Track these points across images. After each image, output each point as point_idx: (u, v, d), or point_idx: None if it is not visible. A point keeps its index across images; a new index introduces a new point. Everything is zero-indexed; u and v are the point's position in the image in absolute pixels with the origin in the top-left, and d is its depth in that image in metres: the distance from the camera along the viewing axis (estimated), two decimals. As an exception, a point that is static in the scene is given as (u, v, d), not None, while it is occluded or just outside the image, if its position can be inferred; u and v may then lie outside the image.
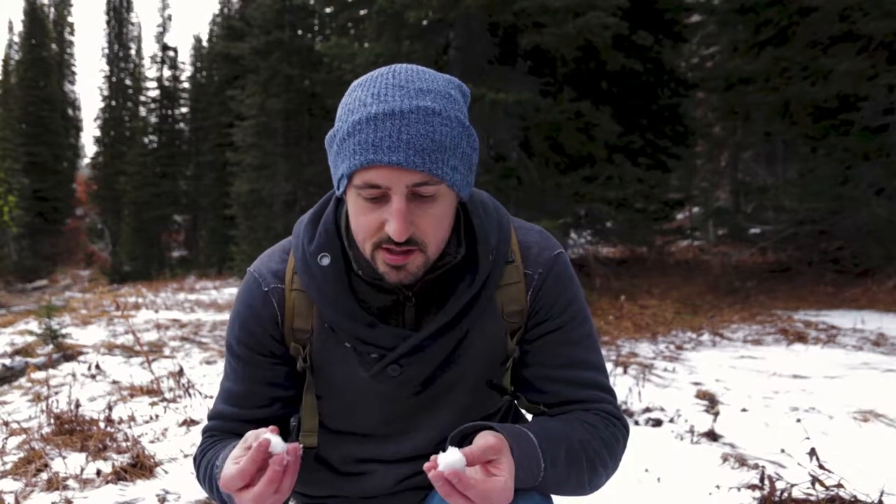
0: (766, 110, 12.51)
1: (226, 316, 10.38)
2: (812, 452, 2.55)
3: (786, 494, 2.38)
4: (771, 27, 11.79)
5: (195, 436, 3.44)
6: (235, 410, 1.15)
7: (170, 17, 40.11)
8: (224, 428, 1.17)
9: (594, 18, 8.47)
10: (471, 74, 9.50)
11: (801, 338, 6.60)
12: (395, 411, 1.12)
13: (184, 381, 4.51)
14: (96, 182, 39.65)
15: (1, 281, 28.31)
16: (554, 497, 1.09)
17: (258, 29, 19.50)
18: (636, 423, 3.60)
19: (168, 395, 4.40)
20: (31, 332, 7.76)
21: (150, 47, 46.59)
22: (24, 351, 6.70)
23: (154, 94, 35.73)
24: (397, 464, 1.16)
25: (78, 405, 3.64)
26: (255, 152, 19.12)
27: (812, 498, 2.36)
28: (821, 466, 2.48)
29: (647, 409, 3.81)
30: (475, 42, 10.27)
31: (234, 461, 0.92)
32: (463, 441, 0.98)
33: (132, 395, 4.47)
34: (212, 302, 13.68)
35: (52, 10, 45.46)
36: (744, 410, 3.86)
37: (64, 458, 2.99)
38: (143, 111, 36.86)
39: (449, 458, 0.85)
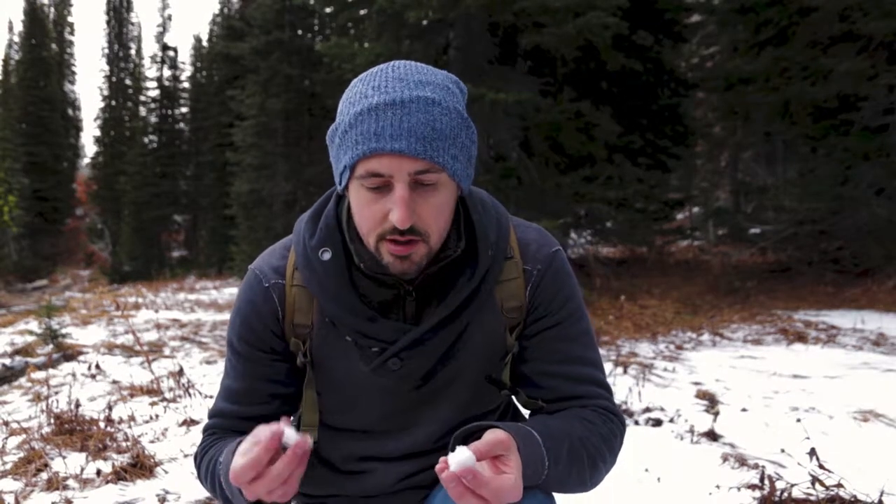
0: (766, 110, 12.51)
1: (226, 316, 10.39)
2: (812, 452, 2.55)
3: (786, 494, 2.38)
4: (771, 27, 11.79)
5: (195, 436, 3.44)
6: (236, 408, 1.16)
7: (170, 17, 40.12)
8: (225, 426, 1.17)
9: (594, 18, 8.47)
10: (471, 74, 9.49)
11: (801, 338, 6.60)
12: (396, 406, 1.13)
13: (184, 380, 4.51)
14: (96, 182, 39.65)
15: (1, 281, 28.31)
16: (555, 495, 1.09)
17: (258, 29, 19.50)
18: (636, 422, 3.60)
19: (168, 395, 4.40)
20: (31, 332, 7.76)
21: (150, 47, 46.79)
22: (24, 351, 6.70)
23: (154, 94, 35.74)
24: (398, 462, 1.16)
25: (78, 405, 3.64)
26: (255, 152, 19.12)
27: (812, 498, 2.36)
28: (821, 466, 2.48)
29: (647, 409, 3.81)
30: (475, 42, 10.27)
31: (243, 455, 0.90)
32: (466, 442, 0.98)
33: (132, 395, 4.47)
34: (212, 302, 13.68)
35: (52, 10, 45.47)
36: (744, 410, 3.86)
37: (64, 457, 2.99)
38: (143, 111, 36.87)
39: (459, 457, 0.84)
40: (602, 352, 5.91)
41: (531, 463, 0.95)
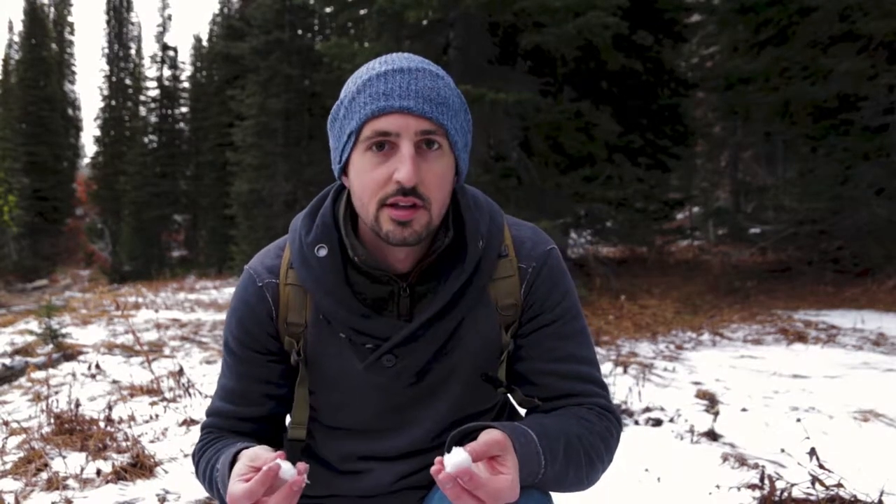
0: (766, 110, 12.51)
1: (225, 316, 10.37)
2: (812, 452, 2.55)
3: (786, 494, 2.38)
4: (771, 27, 11.79)
5: (195, 435, 3.43)
6: (232, 408, 1.17)
7: (170, 17, 40.14)
8: (221, 425, 1.18)
9: (594, 18, 8.46)
10: (471, 74, 9.49)
11: (801, 337, 6.60)
12: (390, 404, 1.12)
13: (184, 380, 4.51)
14: (96, 182, 39.64)
15: (1, 281, 28.31)
16: (554, 494, 1.09)
17: (258, 29, 19.51)
18: (636, 422, 3.60)
19: (168, 395, 4.40)
20: (31, 332, 7.76)
21: (150, 47, 46.67)
22: (24, 351, 6.70)
23: (154, 93, 35.74)
24: (395, 461, 1.16)
25: (78, 405, 3.64)
26: (255, 152, 19.13)
27: (812, 498, 2.36)
28: (821, 466, 2.48)
29: (647, 409, 3.81)
30: (475, 42, 10.26)
31: (241, 478, 0.92)
32: (462, 443, 0.98)
33: (132, 395, 4.47)
34: (212, 302, 13.68)
35: (52, 9, 45.48)
36: (744, 410, 3.86)
37: (64, 457, 2.99)
38: (143, 111, 36.88)
39: (455, 459, 0.84)
40: (602, 352, 5.91)
41: (527, 462, 0.95)
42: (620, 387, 4.31)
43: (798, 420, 3.58)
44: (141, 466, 2.87)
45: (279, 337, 1.12)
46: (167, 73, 35.83)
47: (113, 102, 40.72)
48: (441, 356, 1.10)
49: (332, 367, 1.11)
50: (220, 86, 28.28)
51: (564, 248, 11.69)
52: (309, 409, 1.17)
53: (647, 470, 2.81)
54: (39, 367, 5.63)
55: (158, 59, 36.18)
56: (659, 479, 2.72)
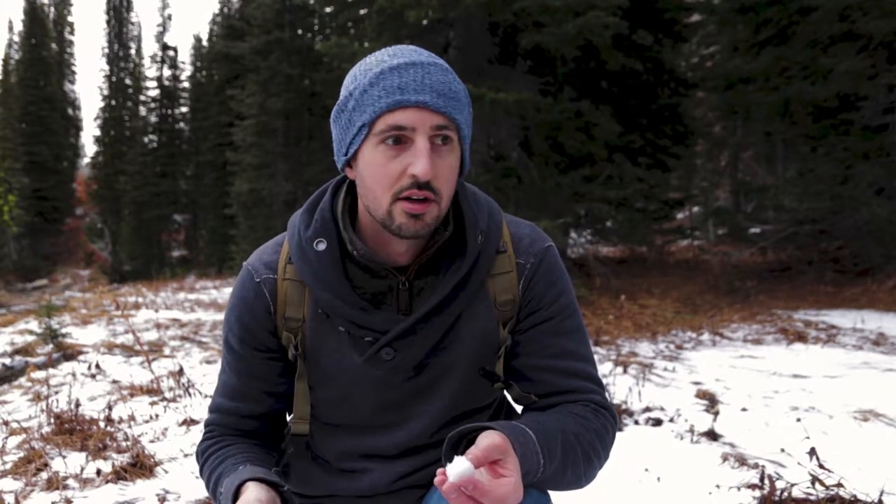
0: (766, 110, 12.50)
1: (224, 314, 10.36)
2: (812, 452, 2.55)
3: (786, 494, 2.38)
4: (771, 27, 11.78)
5: (195, 435, 3.44)
6: (233, 405, 1.17)
7: (170, 17, 40.15)
8: (223, 423, 1.19)
9: (594, 18, 8.46)
10: (471, 74, 9.49)
11: (801, 337, 6.60)
12: (389, 398, 1.13)
13: (184, 380, 4.51)
14: (96, 182, 39.63)
15: (1, 280, 28.31)
16: (551, 493, 1.09)
17: (258, 28, 19.51)
18: (636, 422, 3.60)
19: (168, 395, 4.40)
20: (31, 332, 7.76)
21: (150, 47, 46.61)
22: (24, 350, 6.69)
23: (154, 93, 35.75)
24: (393, 460, 1.16)
25: (78, 405, 3.64)
26: (256, 152, 19.14)
27: (812, 497, 2.36)
28: (821, 466, 2.48)
29: (647, 409, 3.81)
30: (475, 42, 10.26)
31: None
32: (459, 443, 0.98)
33: (132, 395, 4.47)
34: (212, 301, 13.68)
35: (52, 9, 45.46)
36: (744, 410, 3.86)
37: (64, 457, 2.99)
38: (143, 111, 36.90)
39: (457, 468, 0.83)
40: (602, 351, 5.91)
41: (527, 462, 0.95)
42: (620, 387, 4.31)
43: (798, 420, 3.58)
44: (141, 466, 2.87)
45: (277, 333, 1.13)
46: (167, 72, 35.87)
47: (113, 102, 40.71)
48: (439, 350, 1.10)
49: (331, 361, 1.11)
50: (220, 86, 28.29)
51: (564, 248, 11.69)
52: (310, 406, 1.17)
53: (647, 470, 2.81)
54: (39, 366, 5.63)
55: (158, 58, 36.19)
56: (659, 478, 2.72)
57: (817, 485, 2.37)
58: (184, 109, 35.20)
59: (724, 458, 2.94)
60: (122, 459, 2.93)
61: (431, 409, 1.13)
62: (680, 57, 15.18)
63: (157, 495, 2.62)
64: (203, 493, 2.61)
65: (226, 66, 27.64)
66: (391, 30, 10.50)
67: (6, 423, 3.62)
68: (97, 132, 40.39)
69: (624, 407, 3.78)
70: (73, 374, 5.27)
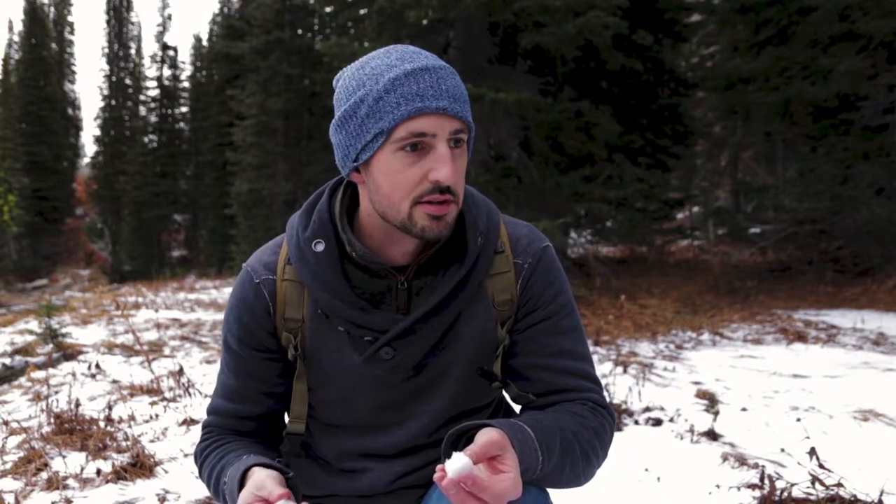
0: (766, 110, 12.50)
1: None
2: (812, 452, 2.55)
3: (786, 494, 2.38)
4: (771, 27, 11.78)
5: (195, 435, 3.44)
6: (231, 406, 1.17)
7: (170, 17, 40.15)
8: (222, 424, 1.19)
9: (594, 18, 8.46)
10: (471, 74, 9.49)
11: (800, 337, 6.60)
12: (388, 398, 1.13)
13: (184, 380, 4.51)
14: (96, 182, 39.63)
15: (1, 280, 28.32)
16: (550, 490, 1.09)
17: (258, 28, 19.52)
18: (636, 422, 3.60)
19: (168, 395, 4.40)
20: (31, 332, 7.76)
21: (150, 47, 46.61)
22: (24, 350, 6.69)
23: (154, 93, 35.76)
24: (392, 460, 1.16)
25: (78, 404, 3.64)
26: (256, 152, 19.14)
27: (812, 497, 2.36)
28: (821, 466, 2.48)
29: (647, 409, 3.81)
30: (475, 41, 10.26)
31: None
32: (458, 441, 0.98)
33: (132, 395, 4.47)
34: (212, 301, 13.68)
35: (52, 9, 45.45)
36: (744, 410, 3.86)
37: (64, 457, 2.99)
38: (143, 111, 36.90)
39: (456, 465, 0.84)
40: (602, 351, 5.91)
41: (525, 459, 0.95)
42: (620, 386, 4.30)
43: (798, 420, 3.58)
44: (141, 466, 2.87)
45: (277, 333, 1.13)
46: (167, 72, 35.88)
47: (113, 102, 40.69)
48: (438, 350, 1.10)
49: (331, 361, 1.11)
50: (220, 85, 28.29)
51: (564, 248, 11.68)
52: (307, 406, 1.17)
53: (646, 470, 2.81)
54: (39, 366, 5.63)
55: (158, 58, 36.20)
56: (659, 478, 2.72)
57: (817, 485, 2.37)
58: (184, 109, 35.21)
59: (724, 457, 2.94)
60: (122, 459, 2.94)
61: (430, 408, 1.13)
62: (680, 57, 15.18)
63: (157, 495, 2.62)
64: (203, 493, 2.61)
65: (226, 66, 27.64)
66: (391, 30, 10.49)
67: (6, 423, 3.62)
68: (97, 132, 40.40)
69: (624, 407, 3.77)
70: (73, 374, 5.28)
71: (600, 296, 9.74)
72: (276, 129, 19.10)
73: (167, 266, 29.01)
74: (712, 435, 3.31)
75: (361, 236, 1.08)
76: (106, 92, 41.08)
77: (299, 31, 19.86)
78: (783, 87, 11.18)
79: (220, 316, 10.45)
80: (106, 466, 2.88)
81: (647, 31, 11.39)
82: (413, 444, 1.15)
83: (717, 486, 2.60)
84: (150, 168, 32.60)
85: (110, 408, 3.84)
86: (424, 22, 10.09)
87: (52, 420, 3.51)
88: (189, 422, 3.69)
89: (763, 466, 2.69)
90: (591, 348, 6.02)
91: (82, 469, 2.85)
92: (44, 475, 2.81)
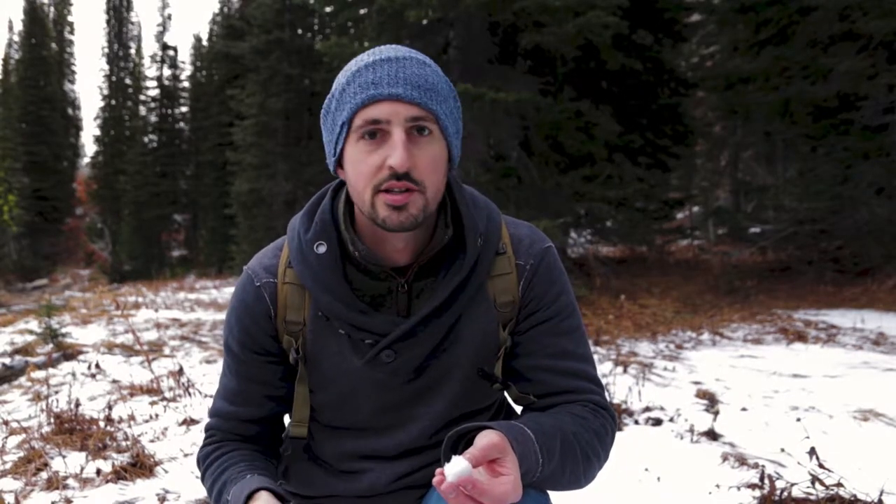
0: (766, 110, 12.49)
1: (225, 315, 10.36)
2: (812, 451, 2.55)
3: (786, 493, 2.38)
4: (771, 26, 11.78)
5: (195, 435, 3.44)
6: (233, 409, 1.17)
7: (170, 17, 40.13)
8: (224, 427, 1.19)
9: (594, 18, 8.46)
10: (471, 74, 9.49)
11: (800, 337, 6.59)
12: (389, 400, 1.13)
13: (184, 380, 4.51)
14: (96, 181, 39.61)
15: (1, 280, 28.32)
16: (550, 493, 1.09)
17: (258, 28, 19.51)
18: (636, 422, 3.60)
19: (168, 395, 4.40)
20: (31, 332, 7.76)
21: (150, 46, 46.50)
22: (24, 350, 6.70)
23: (154, 93, 35.74)
24: (392, 461, 1.16)
25: (78, 404, 3.64)
26: (256, 152, 19.13)
27: (812, 497, 2.36)
28: (821, 465, 2.48)
29: (647, 409, 3.81)
30: (475, 41, 10.26)
31: None
32: (458, 443, 0.98)
33: (132, 395, 4.48)
34: (212, 301, 13.68)
35: (52, 9, 45.42)
36: (744, 410, 3.86)
37: (64, 457, 2.99)
38: (142, 110, 36.89)
39: (456, 468, 0.83)
40: (602, 351, 5.90)
41: (525, 461, 0.95)
42: (620, 386, 4.30)
43: (798, 420, 3.58)
44: (141, 466, 2.87)
45: (278, 336, 1.13)
46: (167, 72, 35.86)
47: (113, 102, 40.67)
48: (439, 353, 1.10)
49: (332, 364, 1.11)
50: (220, 85, 28.28)
51: (564, 248, 11.68)
52: (310, 409, 1.17)
53: (647, 469, 2.81)
54: (39, 366, 5.63)
55: (158, 58, 36.18)
56: (659, 478, 2.72)
57: (817, 484, 2.37)
58: (184, 109, 35.19)
59: (724, 457, 2.94)
60: (122, 459, 2.94)
61: (431, 410, 1.13)
62: (680, 57, 15.17)
63: (157, 495, 2.62)
64: (203, 493, 2.61)
65: (226, 65, 27.64)
66: (391, 30, 10.49)
67: (6, 423, 3.62)
68: (97, 132, 40.35)
69: (624, 407, 3.77)
70: (73, 374, 5.28)
71: (600, 296, 9.74)
72: (276, 129, 19.10)
73: (167, 266, 29.00)
74: (712, 435, 3.31)
75: (361, 236, 1.08)
76: (106, 92, 41.06)
77: (299, 31, 19.85)
78: (783, 87, 11.18)
79: (220, 316, 10.45)
80: (106, 466, 2.88)
81: (646, 30, 11.39)
82: (414, 445, 1.15)
83: (717, 486, 2.60)
84: (150, 168, 32.59)
85: (110, 408, 3.84)
86: (424, 22, 10.09)
87: (52, 420, 3.51)
88: (189, 422, 3.69)
89: (763, 466, 2.69)
90: (592, 348, 6.01)
91: (82, 469, 2.85)
92: (44, 475, 2.81)
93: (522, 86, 9.57)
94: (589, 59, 10.93)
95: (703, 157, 19.62)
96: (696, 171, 20.71)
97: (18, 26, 42.92)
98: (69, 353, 6.34)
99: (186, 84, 35.90)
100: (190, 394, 4.33)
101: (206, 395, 4.30)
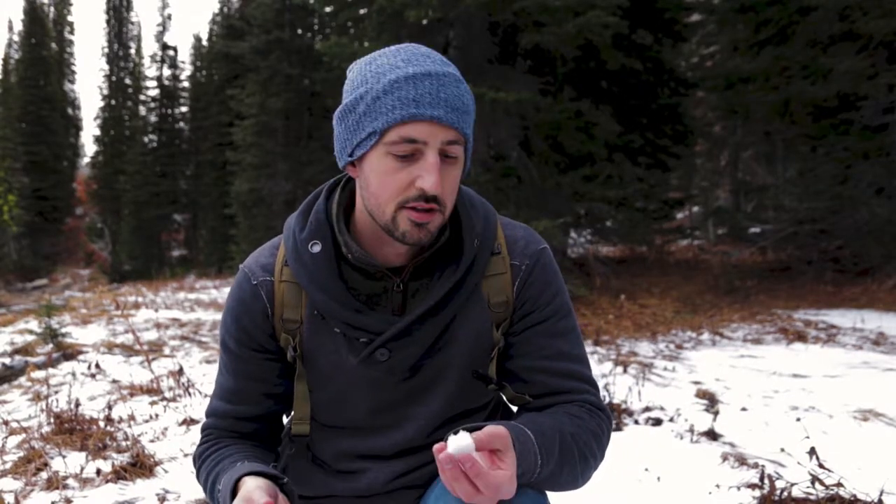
0: (766, 110, 12.50)
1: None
2: (812, 451, 2.55)
3: (785, 493, 2.38)
4: (771, 26, 11.78)
5: (195, 435, 3.44)
6: (230, 407, 1.17)
7: (170, 17, 40.07)
8: (221, 426, 1.19)
9: (594, 18, 8.46)
10: (471, 74, 9.48)
11: (800, 337, 6.60)
12: (385, 400, 1.13)
13: (183, 380, 4.51)
14: (96, 181, 39.61)
15: (1, 280, 28.32)
16: (550, 494, 1.09)
17: (258, 28, 19.50)
18: (636, 422, 3.60)
19: (168, 395, 4.40)
20: (30, 332, 7.76)
21: (149, 46, 46.46)
22: (24, 350, 6.70)
23: (154, 93, 35.71)
24: (390, 460, 1.16)
25: (78, 404, 3.64)
26: (255, 151, 19.13)
27: (812, 497, 2.36)
28: (821, 465, 2.48)
29: (647, 409, 3.81)
30: (475, 41, 10.26)
31: None
32: None
33: (132, 395, 4.48)
34: (211, 301, 13.68)
35: (52, 9, 45.46)
36: (744, 409, 3.86)
37: (64, 457, 2.99)
38: (142, 110, 36.86)
39: (460, 442, 0.84)
40: (602, 351, 5.90)
41: (524, 461, 0.95)
42: (620, 386, 4.30)
43: (798, 419, 3.58)
44: (141, 466, 2.87)
45: (275, 335, 1.13)
46: (167, 72, 35.83)
47: (113, 102, 40.69)
48: (434, 352, 1.10)
49: (328, 362, 1.11)
50: (220, 85, 28.26)
51: (564, 248, 11.68)
52: (310, 407, 1.17)
53: (646, 469, 2.81)
54: (39, 366, 5.63)
55: (158, 58, 36.15)
56: (659, 478, 2.72)
57: (817, 484, 2.37)
58: (184, 109, 35.16)
59: (724, 457, 2.94)
60: (122, 459, 2.94)
61: (427, 410, 1.14)
62: (680, 57, 15.17)
63: (157, 495, 2.62)
64: (202, 493, 2.60)
65: (226, 65, 27.63)
66: (391, 29, 10.49)
67: (6, 423, 3.62)
68: (97, 132, 40.38)
69: (624, 407, 3.77)
70: (73, 374, 5.28)
71: (600, 296, 9.74)
72: (276, 128, 19.10)
73: (167, 266, 29.00)
74: (712, 435, 3.31)
75: (356, 235, 1.09)
76: (106, 92, 41.08)
77: (299, 31, 19.84)
78: (783, 87, 11.19)
79: (220, 316, 10.44)
80: (106, 466, 2.88)
81: (646, 30, 11.39)
82: (411, 444, 1.15)
83: (717, 486, 2.60)
84: (150, 168, 32.56)
85: (110, 408, 3.84)
86: (424, 22, 10.08)
87: (52, 420, 3.51)
88: (189, 421, 3.69)
89: (763, 466, 2.69)
90: (591, 348, 6.03)
91: (82, 469, 2.85)
92: (44, 475, 2.81)
93: (522, 86, 9.57)
94: (589, 59, 10.92)
95: (703, 157, 19.63)
96: (696, 171, 20.70)
97: (18, 26, 42.98)
98: (69, 353, 6.34)
99: (186, 84, 35.89)
100: (190, 394, 4.34)
101: (205, 395, 4.30)
